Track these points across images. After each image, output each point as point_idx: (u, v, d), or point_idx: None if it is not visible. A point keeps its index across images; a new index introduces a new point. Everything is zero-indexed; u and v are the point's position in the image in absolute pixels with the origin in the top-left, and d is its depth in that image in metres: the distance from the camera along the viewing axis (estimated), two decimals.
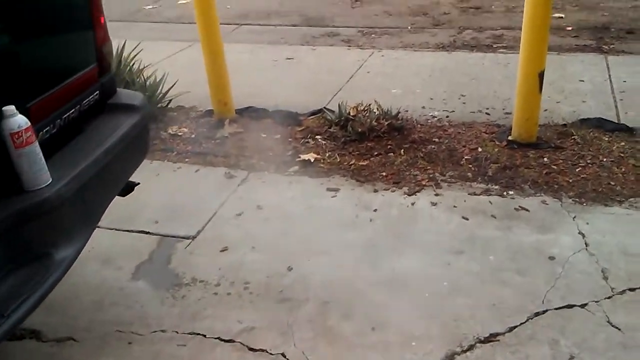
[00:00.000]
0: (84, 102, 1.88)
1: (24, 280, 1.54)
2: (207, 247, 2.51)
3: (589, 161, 2.97)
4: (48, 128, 1.71)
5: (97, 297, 2.27)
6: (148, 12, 6.93)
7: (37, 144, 1.55)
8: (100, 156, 1.77)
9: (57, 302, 2.21)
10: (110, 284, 2.33)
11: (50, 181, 1.59)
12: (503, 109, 3.67)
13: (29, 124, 1.52)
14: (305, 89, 4.27)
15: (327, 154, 3.20)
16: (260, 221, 2.67)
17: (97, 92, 1.96)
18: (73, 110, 1.82)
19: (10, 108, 1.49)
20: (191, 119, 3.81)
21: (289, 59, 4.95)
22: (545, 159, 2.98)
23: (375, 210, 2.69)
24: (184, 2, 7.10)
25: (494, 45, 5.00)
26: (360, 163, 3.09)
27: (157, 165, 3.26)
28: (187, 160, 3.30)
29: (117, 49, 3.74)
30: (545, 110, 3.48)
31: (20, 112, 1.51)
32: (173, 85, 3.81)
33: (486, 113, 3.64)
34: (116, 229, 2.66)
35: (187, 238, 2.58)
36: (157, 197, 2.90)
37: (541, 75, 2.96)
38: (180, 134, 3.61)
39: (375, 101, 3.51)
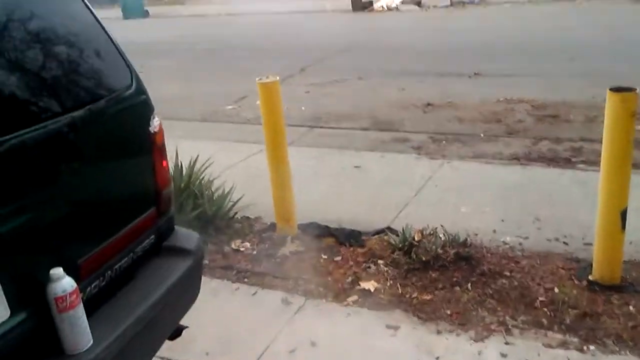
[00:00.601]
0: (138, 248, 1.88)
1: None
2: None
3: None
4: (97, 282, 1.70)
5: None
6: (228, 113, 7.24)
7: (81, 305, 1.53)
8: (147, 311, 1.73)
9: None
10: None
11: (91, 343, 1.55)
12: (582, 238, 3.40)
13: (75, 286, 1.50)
14: (371, 202, 4.19)
15: (389, 284, 3.05)
16: None
17: (153, 236, 1.96)
18: (126, 259, 1.82)
19: (58, 272, 1.48)
20: (254, 233, 3.80)
21: (357, 167, 4.93)
22: (631, 308, 2.68)
23: (437, 358, 2.48)
24: None
25: (573, 160, 4.77)
26: (423, 297, 2.91)
27: (216, 284, 3.22)
28: (246, 280, 3.25)
29: (190, 161, 3.87)
30: (631, 243, 3.19)
31: (70, 269, 1.51)
32: (240, 199, 3.85)
33: (564, 242, 3.39)
34: (168, 359, 2.60)
35: None
36: (213, 323, 2.84)
37: (624, 214, 2.72)
38: (242, 249, 3.59)
39: (441, 226, 3.37)
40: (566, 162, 4.73)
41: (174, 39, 14.17)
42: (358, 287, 3.05)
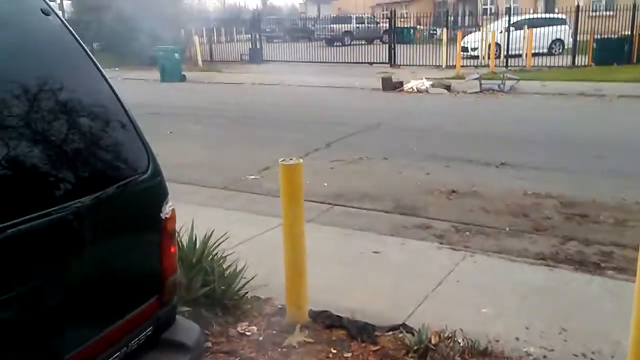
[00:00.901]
0: (133, 341, 1.75)
1: None
2: None
3: None
4: None
5: None
6: (250, 182, 7.22)
7: None
8: None
9: None
10: None
11: None
12: (612, 357, 3.16)
13: None
14: (388, 292, 4.01)
15: None
16: None
17: (152, 327, 1.83)
18: (118, 354, 1.68)
19: None
20: (263, 316, 3.64)
21: (376, 252, 4.77)
22: None
23: None
24: None
25: (602, 265, 4.55)
26: None
27: None
28: None
29: (205, 235, 3.77)
30: None
31: None
32: (251, 279, 3.71)
33: (591, 359, 3.15)
34: None
35: None
36: None
37: None
38: (248, 333, 3.42)
39: (460, 330, 3.16)
40: (595, 267, 4.51)
41: (206, 104, 14.50)
42: None
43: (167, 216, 1.77)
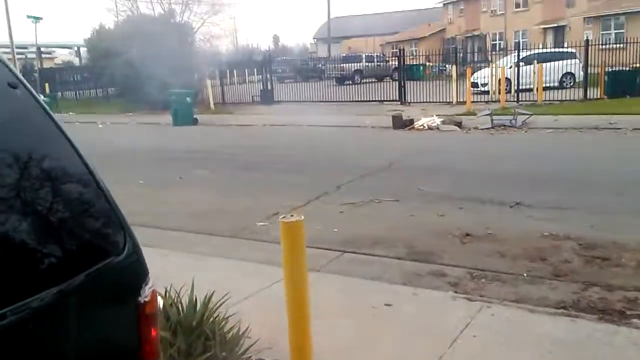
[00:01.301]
0: None
1: None
2: None
3: None
4: None
5: None
6: (258, 230, 7.07)
7: None
8: None
9: None
10: None
11: None
12: None
13: None
14: (400, 353, 3.80)
15: None
16: None
17: None
18: None
19: None
20: None
21: (387, 305, 4.57)
22: None
23: None
24: None
25: (627, 313, 4.30)
26: None
27: None
28: None
29: (206, 296, 3.61)
30: None
31: None
32: (255, 342, 3.53)
33: None
34: None
35: None
36: None
37: None
38: None
39: None
40: (620, 316, 4.26)
41: (217, 148, 14.53)
42: None
43: (146, 299, 1.62)
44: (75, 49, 49.36)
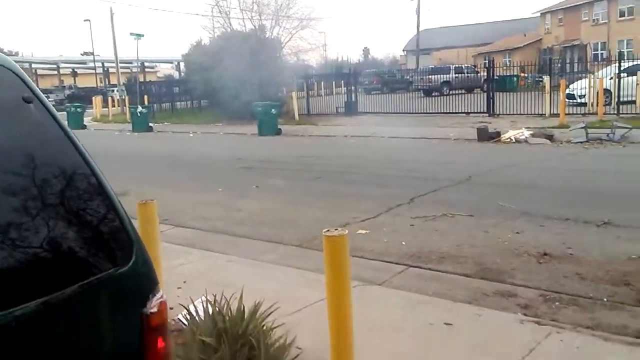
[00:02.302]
0: None
1: None
2: None
3: None
4: None
5: None
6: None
7: None
8: None
9: None
10: None
11: None
12: None
13: None
14: None
15: None
16: None
17: None
18: None
19: None
20: None
21: (447, 324, 4.35)
22: None
23: None
24: (363, 232, 7.12)
25: None
26: None
27: None
28: None
29: (255, 303, 3.61)
30: None
31: None
32: (300, 353, 3.48)
33: None
34: None
35: None
36: None
37: None
38: None
39: None
40: None
41: (296, 157, 14.70)
42: None
43: (152, 311, 1.59)
44: (176, 63, 52.22)
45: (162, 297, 1.66)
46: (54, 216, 1.42)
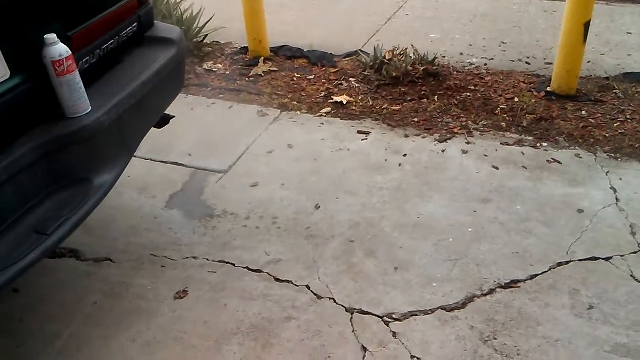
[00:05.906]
0: (123, 33, 1.91)
1: (65, 202, 1.62)
2: (238, 182, 2.58)
3: (628, 116, 2.90)
4: (88, 58, 1.74)
5: (133, 222, 2.38)
6: None
7: (77, 72, 1.60)
8: (138, 88, 1.81)
9: (95, 225, 2.32)
10: (146, 211, 2.44)
11: (89, 110, 1.65)
12: (544, 59, 3.56)
13: (70, 52, 1.56)
14: (341, 30, 4.20)
15: (360, 97, 3.19)
16: (290, 160, 2.72)
17: (136, 24, 1.98)
18: (112, 41, 1.85)
19: (52, 36, 1.53)
20: (226, 55, 3.82)
21: None
22: (584, 112, 2.92)
23: (405, 155, 2.70)
24: None
25: None
26: (393, 108, 3.08)
27: (192, 100, 3.30)
28: (221, 96, 3.33)
29: None
30: (589, 62, 3.39)
31: (62, 41, 1.56)
32: (209, 20, 3.80)
33: (526, 62, 3.55)
34: (152, 160, 2.75)
35: (219, 172, 2.65)
36: (192, 131, 2.96)
37: (587, 26, 2.85)
38: (215, 69, 3.63)
39: (412, 45, 3.45)
40: None
41: None
42: (331, 100, 3.18)
43: None
44: None
45: None
46: None
